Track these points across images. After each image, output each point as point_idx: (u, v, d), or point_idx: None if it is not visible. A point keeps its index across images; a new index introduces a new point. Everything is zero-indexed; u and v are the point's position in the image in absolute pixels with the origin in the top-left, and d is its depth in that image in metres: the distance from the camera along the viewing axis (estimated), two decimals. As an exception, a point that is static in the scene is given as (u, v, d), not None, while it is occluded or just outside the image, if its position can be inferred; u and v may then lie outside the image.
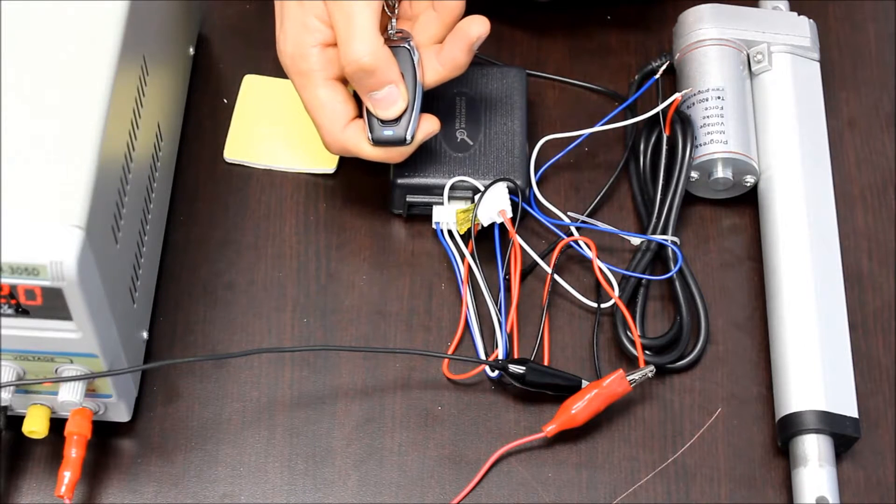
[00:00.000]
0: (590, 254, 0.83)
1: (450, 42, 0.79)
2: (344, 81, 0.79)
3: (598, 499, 0.78)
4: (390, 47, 0.78)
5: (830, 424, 0.77)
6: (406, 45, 0.79)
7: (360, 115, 0.80)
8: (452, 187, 0.82)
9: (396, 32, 0.80)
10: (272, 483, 0.78)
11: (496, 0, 0.91)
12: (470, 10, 0.79)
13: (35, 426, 0.73)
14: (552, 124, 0.90)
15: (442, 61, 0.79)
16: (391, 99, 0.78)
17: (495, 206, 0.81)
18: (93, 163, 0.67)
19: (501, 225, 0.82)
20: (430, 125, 0.80)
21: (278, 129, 0.89)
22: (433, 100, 0.83)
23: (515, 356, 0.81)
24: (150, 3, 0.77)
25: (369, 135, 0.79)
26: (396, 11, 0.81)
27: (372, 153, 0.80)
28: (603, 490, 0.78)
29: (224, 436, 0.79)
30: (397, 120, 0.79)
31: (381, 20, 0.78)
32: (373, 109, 0.78)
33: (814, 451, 0.77)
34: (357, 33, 0.76)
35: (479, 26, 0.78)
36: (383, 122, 0.79)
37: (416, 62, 0.79)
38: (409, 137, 0.79)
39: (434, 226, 0.84)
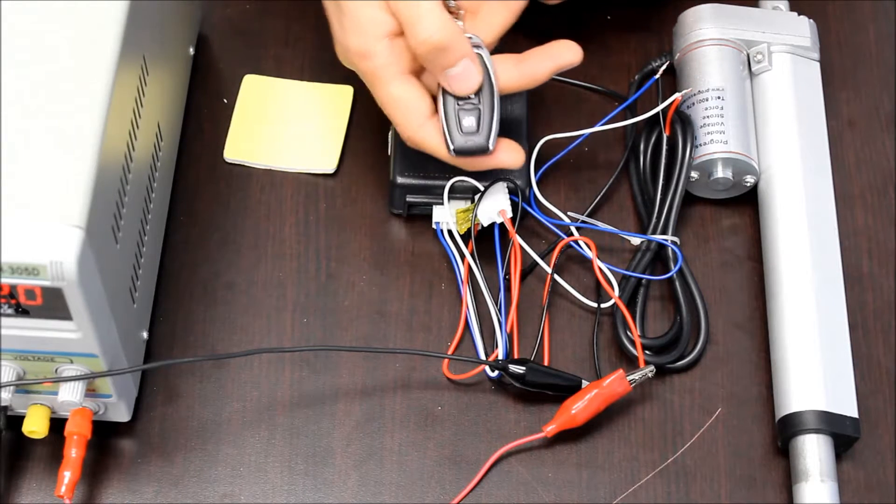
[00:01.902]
0: (590, 254, 0.83)
1: (537, 57, 0.78)
2: (417, 73, 0.77)
3: (598, 499, 0.78)
4: None
5: (830, 424, 0.77)
6: (479, 52, 0.77)
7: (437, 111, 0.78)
8: (452, 187, 0.82)
9: (468, 38, 0.78)
10: (272, 483, 0.78)
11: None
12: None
13: (35, 426, 0.73)
14: (552, 124, 0.90)
15: (522, 72, 0.78)
16: (467, 73, 0.76)
17: (495, 206, 0.81)
18: (93, 163, 0.67)
19: (501, 225, 0.82)
20: (512, 156, 0.79)
21: (278, 129, 0.89)
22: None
23: (515, 356, 0.81)
24: (150, 3, 0.77)
25: (450, 144, 0.77)
26: (462, 13, 0.79)
27: (450, 158, 0.78)
28: (603, 490, 0.78)
29: (224, 436, 0.79)
30: (478, 128, 0.77)
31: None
32: (449, 87, 0.76)
33: (814, 457, 0.77)
34: (423, 12, 0.74)
35: (572, 54, 0.78)
36: (462, 129, 0.77)
37: (490, 67, 0.77)
38: (490, 145, 0.77)
39: (434, 226, 0.84)
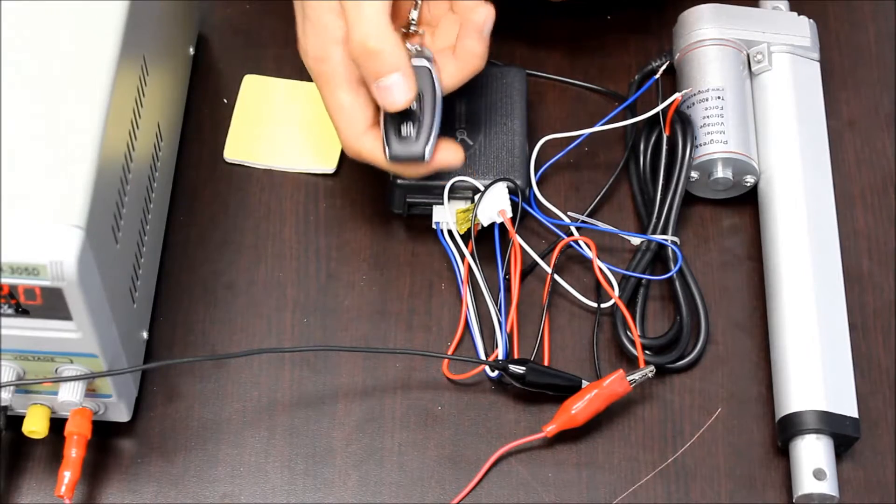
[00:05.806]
0: (590, 254, 0.83)
1: (460, 36, 0.78)
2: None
3: (598, 499, 0.78)
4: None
5: (830, 424, 0.77)
6: (425, 63, 0.78)
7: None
8: (452, 187, 0.82)
9: (415, 49, 0.78)
10: (272, 483, 0.78)
11: (497, 0, 0.91)
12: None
13: (35, 426, 0.73)
14: (552, 124, 0.90)
15: (458, 56, 0.78)
16: (397, 88, 0.75)
17: (495, 206, 0.81)
18: (93, 163, 0.67)
19: (501, 225, 0.82)
20: (450, 155, 0.79)
21: (278, 129, 0.89)
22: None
23: (515, 356, 0.81)
24: (150, 3, 0.77)
25: (387, 150, 0.78)
26: (417, 29, 0.80)
27: (388, 165, 0.79)
28: (603, 490, 0.78)
29: (224, 436, 0.79)
30: (416, 136, 0.78)
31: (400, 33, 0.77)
32: (380, 100, 0.76)
33: (814, 457, 0.77)
34: (364, 17, 0.74)
35: (482, 10, 0.77)
36: (400, 137, 0.77)
37: (435, 79, 0.78)
38: (427, 154, 0.78)
39: (434, 226, 0.84)
